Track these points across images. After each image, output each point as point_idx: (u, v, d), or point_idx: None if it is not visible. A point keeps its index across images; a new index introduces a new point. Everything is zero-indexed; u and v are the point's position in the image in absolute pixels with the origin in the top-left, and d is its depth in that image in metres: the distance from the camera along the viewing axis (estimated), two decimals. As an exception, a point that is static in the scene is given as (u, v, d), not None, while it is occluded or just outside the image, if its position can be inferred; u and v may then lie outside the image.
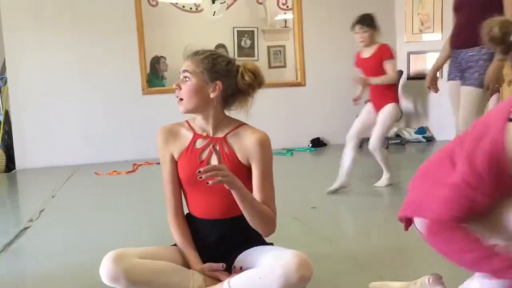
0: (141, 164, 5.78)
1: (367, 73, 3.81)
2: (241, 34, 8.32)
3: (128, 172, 5.34)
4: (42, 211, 3.63)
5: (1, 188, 5.43)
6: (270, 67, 8.33)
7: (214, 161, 1.73)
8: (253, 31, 8.36)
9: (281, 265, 1.57)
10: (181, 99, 1.75)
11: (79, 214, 3.59)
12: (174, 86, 1.76)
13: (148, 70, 6.76)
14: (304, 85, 6.70)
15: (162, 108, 6.47)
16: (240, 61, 1.83)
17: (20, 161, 6.17)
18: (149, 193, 4.25)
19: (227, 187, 1.63)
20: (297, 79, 6.89)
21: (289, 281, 1.55)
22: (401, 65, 6.55)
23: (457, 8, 2.65)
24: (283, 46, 8.29)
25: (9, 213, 4.09)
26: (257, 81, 1.78)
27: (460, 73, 2.66)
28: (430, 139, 6.49)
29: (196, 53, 1.76)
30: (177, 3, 7.69)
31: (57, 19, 6.13)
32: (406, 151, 6.08)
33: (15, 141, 6.17)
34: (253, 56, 8.40)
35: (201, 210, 1.83)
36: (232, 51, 8.06)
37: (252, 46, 8.40)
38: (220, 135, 1.80)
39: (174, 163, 1.84)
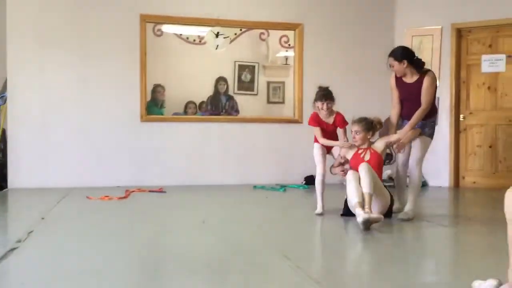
0: (134, 191, 5.76)
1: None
2: (242, 68, 8.43)
3: (120, 198, 5.32)
4: (30, 232, 3.60)
5: (-10, 206, 5.38)
6: (268, 102, 8.43)
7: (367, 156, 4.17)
8: (254, 66, 8.48)
9: None
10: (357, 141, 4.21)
11: (66, 237, 3.56)
12: (353, 136, 4.20)
13: (148, 98, 6.82)
14: (301, 122, 6.75)
15: (159, 135, 6.52)
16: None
17: (12, 180, 6.14)
18: (137, 219, 4.24)
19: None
20: (294, 116, 6.96)
21: None
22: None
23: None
24: (283, 83, 8.41)
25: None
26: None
27: None
28: (423, 184, 6.50)
29: (361, 121, 4.17)
30: (181, 34, 7.82)
31: (61, 42, 6.22)
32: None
33: (9, 160, 6.16)
34: (253, 90, 8.50)
35: None
36: (232, 85, 8.16)
37: (252, 81, 8.50)
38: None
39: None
